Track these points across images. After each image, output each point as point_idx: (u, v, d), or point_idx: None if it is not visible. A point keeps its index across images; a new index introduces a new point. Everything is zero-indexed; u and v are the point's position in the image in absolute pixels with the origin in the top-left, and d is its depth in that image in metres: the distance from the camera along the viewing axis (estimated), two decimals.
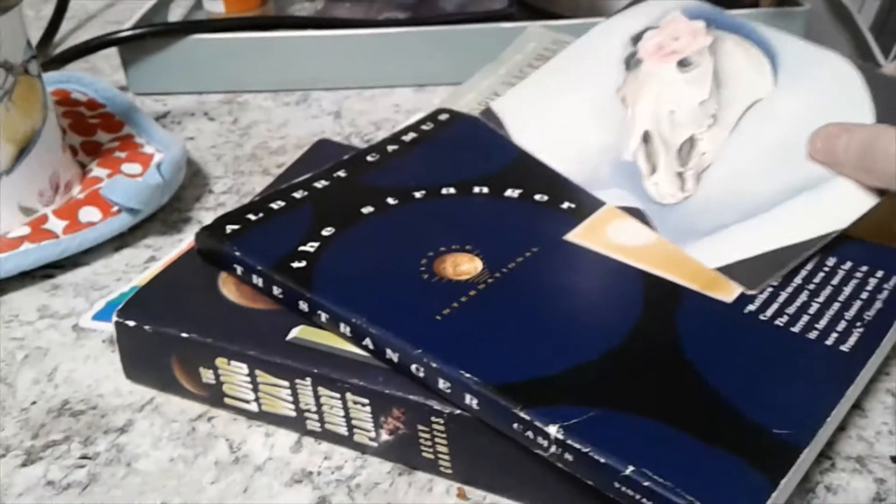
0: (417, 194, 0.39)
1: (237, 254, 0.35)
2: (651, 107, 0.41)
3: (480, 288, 0.33)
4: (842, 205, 0.36)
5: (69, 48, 0.61)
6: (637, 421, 0.28)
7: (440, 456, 0.31)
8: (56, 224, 0.44)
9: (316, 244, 0.35)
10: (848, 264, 0.35)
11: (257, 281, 0.35)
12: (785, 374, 0.30)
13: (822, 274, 0.34)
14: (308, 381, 0.32)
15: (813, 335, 0.31)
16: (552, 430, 0.27)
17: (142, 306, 0.35)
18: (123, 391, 0.36)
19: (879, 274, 0.34)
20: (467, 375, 0.29)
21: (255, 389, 0.33)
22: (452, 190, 0.39)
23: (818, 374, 0.30)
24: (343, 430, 0.32)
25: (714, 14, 0.43)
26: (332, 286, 0.33)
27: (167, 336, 0.34)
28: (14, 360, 0.38)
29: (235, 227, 0.36)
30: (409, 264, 0.34)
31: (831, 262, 0.35)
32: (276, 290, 0.34)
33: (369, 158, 0.42)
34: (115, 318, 0.34)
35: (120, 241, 0.45)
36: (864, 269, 0.35)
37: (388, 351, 0.31)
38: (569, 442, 0.27)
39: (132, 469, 0.33)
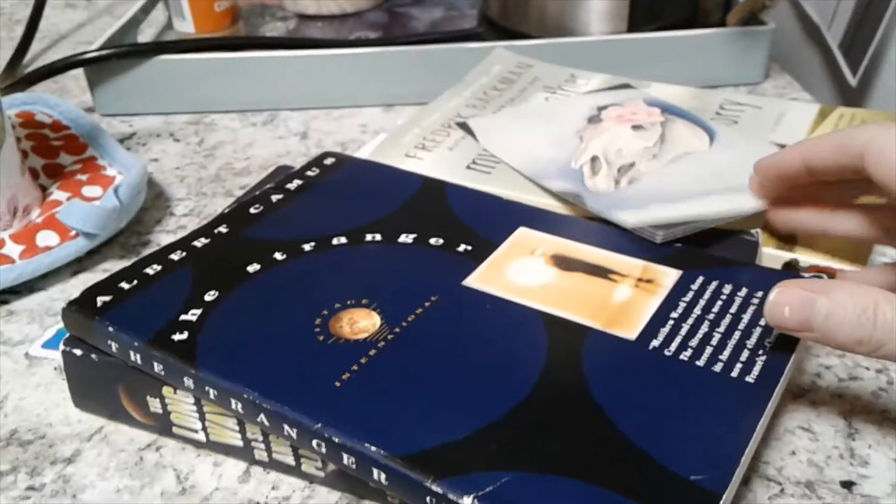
0: (307, 247, 0.37)
1: (111, 329, 0.32)
2: (603, 144, 0.46)
3: (380, 346, 0.31)
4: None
5: (35, 69, 0.60)
6: (553, 481, 0.26)
7: None
8: (13, 249, 0.44)
9: (198, 311, 0.33)
10: (743, 290, 0.34)
11: (135, 358, 0.32)
12: (695, 414, 0.29)
13: (720, 302, 0.34)
14: None
15: (718, 367, 0.30)
16: (467, 501, 0.26)
17: None
18: (73, 420, 0.36)
19: None
20: (373, 448, 0.27)
21: (203, 419, 0.33)
22: (344, 239, 0.37)
23: (728, 411, 0.29)
24: (290, 460, 0.32)
25: (668, 105, 0.50)
26: (218, 358, 0.31)
27: (114, 365, 0.33)
28: None
29: (107, 298, 0.34)
30: (302, 326, 0.32)
31: (727, 289, 0.34)
32: (157, 367, 0.31)
33: (252, 210, 0.39)
34: (62, 347, 0.34)
35: (77, 266, 0.45)
36: (759, 294, 0.34)
37: (286, 427, 0.29)
38: None
39: (77, 501, 0.32)
